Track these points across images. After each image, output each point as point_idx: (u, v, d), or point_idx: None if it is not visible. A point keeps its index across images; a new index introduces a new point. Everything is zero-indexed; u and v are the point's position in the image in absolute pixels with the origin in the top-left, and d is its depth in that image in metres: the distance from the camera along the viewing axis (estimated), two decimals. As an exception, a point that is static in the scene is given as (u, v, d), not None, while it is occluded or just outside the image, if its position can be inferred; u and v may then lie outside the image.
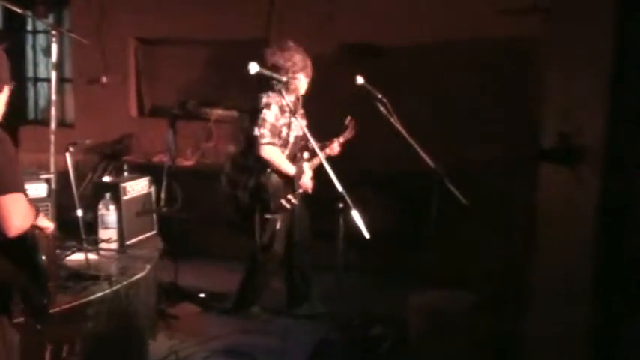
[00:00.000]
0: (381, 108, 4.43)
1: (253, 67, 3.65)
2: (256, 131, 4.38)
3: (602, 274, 3.22)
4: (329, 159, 4.54)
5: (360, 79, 4.47)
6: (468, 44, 5.71)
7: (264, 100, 4.44)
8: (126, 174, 4.93)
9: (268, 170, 4.42)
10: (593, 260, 3.28)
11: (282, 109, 4.43)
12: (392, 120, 4.42)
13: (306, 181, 4.59)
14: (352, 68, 4.62)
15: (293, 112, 4.29)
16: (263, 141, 4.36)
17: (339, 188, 3.47)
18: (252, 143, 4.43)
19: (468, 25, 5.69)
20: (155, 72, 7.14)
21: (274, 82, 3.80)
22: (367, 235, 3.35)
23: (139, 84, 7.17)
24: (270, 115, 4.37)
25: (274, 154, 4.39)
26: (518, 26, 5.36)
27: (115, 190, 4.47)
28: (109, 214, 4.37)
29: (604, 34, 3.17)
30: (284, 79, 3.86)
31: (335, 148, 4.80)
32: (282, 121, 4.44)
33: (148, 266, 4.13)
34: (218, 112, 6.63)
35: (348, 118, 4.83)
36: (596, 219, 3.24)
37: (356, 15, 6.04)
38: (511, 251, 4.83)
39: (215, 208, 6.04)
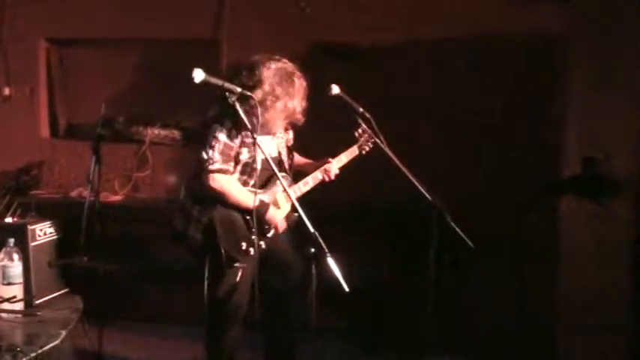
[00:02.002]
0: (363, 125, 4.48)
1: (198, 75, 3.68)
2: (203, 153, 4.33)
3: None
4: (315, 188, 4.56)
5: (335, 89, 4.51)
6: (473, 43, 5.82)
7: (214, 112, 4.39)
8: (35, 213, 4.92)
9: (219, 205, 4.38)
10: (630, 316, 3.34)
11: (238, 125, 4.35)
12: (377, 141, 4.47)
13: (278, 218, 4.46)
14: (326, 74, 4.69)
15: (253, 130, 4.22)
16: (211, 167, 4.26)
17: (310, 228, 3.50)
18: (200, 168, 4.37)
19: (473, 19, 5.81)
20: (73, 81, 7.15)
21: (226, 94, 3.83)
22: (346, 289, 3.37)
23: (52, 97, 7.17)
24: (222, 132, 4.28)
25: (226, 184, 4.28)
26: (535, 20, 5.51)
27: (21, 234, 4.45)
28: (12, 265, 4.35)
29: (637, 43, 3.28)
30: (238, 89, 3.88)
31: (332, 170, 4.65)
32: (239, 139, 4.32)
33: (64, 333, 4.11)
34: (154, 132, 6.65)
35: (361, 129, 4.71)
36: (631, 263, 3.31)
37: (330, 8, 6.13)
38: (529, 307, 4.89)
39: (152, 255, 6.06)
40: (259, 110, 4.08)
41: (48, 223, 4.77)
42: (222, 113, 4.25)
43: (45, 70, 7.10)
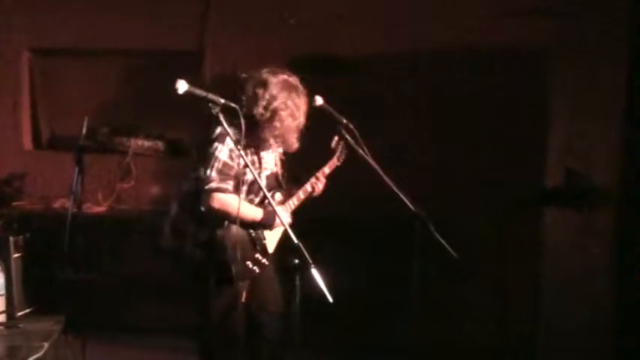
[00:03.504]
0: (347, 136, 4.49)
1: (182, 86, 3.68)
2: (202, 172, 4.20)
3: (624, 343, 3.30)
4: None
5: (319, 100, 4.52)
6: (456, 54, 5.86)
7: (219, 130, 4.32)
8: (17, 225, 4.90)
9: (226, 222, 4.23)
10: (613, 325, 3.35)
11: (240, 143, 4.29)
12: (360, 151, 4.47)
13: (286, 221, 4.33)
14: (309, 87, 4.70)
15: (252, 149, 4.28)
16: (207, 186, 4.18)
17: (294, 239, 3.50)
18: (200, 187, 4.30)
19: (457, 31, 5.84)
20: (56, 92, 7.13)
21: (209, 105, 3.82)
22: (330, 299, 3.37)
23: (35, 107, 7.15)
24: (223, 150, 4.21)
25: (224, 202, 4.19)
26: (519, 32, 5.56)
27: (3, 246, 4.43)
28: (-6, 277, 4.34)
29: (618, 55, 3.31)
30: (221, 100, 3.87)
31: (321, 184, 4.64)
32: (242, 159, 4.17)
33: (46, 345, 4.10)
34: (138, 143, 6.64)
35: (336, 138, 4.72)
36: (613, 273, 3.33)
37: (314, 21, 6.15)
38: (513, 318, 4.92)
39: (136, 266, 6.04)
40: (273, 124, 4.21)
41: (30, 234, 4.74)
42: (225, 132, 4.13)
43: (28, 81, 7.08)
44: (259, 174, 4.33)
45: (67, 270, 5.00)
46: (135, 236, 5.79)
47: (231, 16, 6.36)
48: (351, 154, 4.57)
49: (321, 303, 3.36)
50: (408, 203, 4.30)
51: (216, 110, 3.83)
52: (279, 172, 4.55)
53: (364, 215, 5.68)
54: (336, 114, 4.49)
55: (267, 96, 4.26)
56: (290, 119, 4.30)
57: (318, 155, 4.68)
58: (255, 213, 4.30)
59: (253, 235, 4.32)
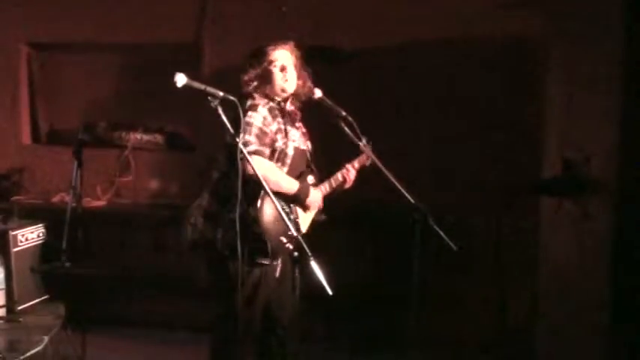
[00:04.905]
0: (346, 129, 4.48)
1: (180, 79, 3.68)
2: (239, 139, 3.99)
3: (619, 331, 3.31)
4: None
5: (317, 92, 4.53)
6: (454, 45, 5.86)
7: (249, 102, 4.40)
8: (16, 219, 4.90)
9: (262, 192, 4.16)
10: (608, 316, 3.36)
11: (272, 112, 4.35)
12: (360, 144, 4.47)
13: (318, 200, 4.47)
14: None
15: (283, 115, 4.34)
16: (248, 149, 4.14)
17: (294, 232, 3.50)
18: (235, 159, 4.23)
19: (454, 22, 5.85)
20: (54, 86, 7.13)
21: (209, 98, 3.82)
22: (330, 292, 3.37)
23: (34, 102, 7.15)
24: (256, 117, 4.27)
25: (265, 167, 4.17)
26: (515, 23, 5.56)
27: (3, 240, 4.43)
28: (-6, 271, 4.34)
29: (614, 46, 3.31)
30: (220, 93, 3.88)
31: (352, 175, 4.64)
32: (275, 126, 4.34)
33: (46, 339, 4.10)
34: (137, 137, 6.64)
35: (363, 142, 4.72)
36: (608, 263, 3.34)
37: (311, 12, 6.15)
38: (510, 310, 4.93)
39: (135, 260, 6.05)
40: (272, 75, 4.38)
41: (30, 229, 4.75)
42: (258, 102, 4.33)
43: (26, 75, 7.07)
44: (286, 143, 4.35)
45: (67, 264, 5.01)
46: (134, 230, 5.80)
47: (228, 9, 6.36)
48: (350, 148, 4.58)
49: (321, 296, 3.37)
50: (408, 196, 4.29)
51: (215, 103, 3.83)
52: (308, 152, 4.54)
53: (365, 207, 5.68)
54: (334, 106, 4.49)
55: (255, 63, 4.41)
56: (274, 66, 4.42)
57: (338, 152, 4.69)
58: (290, 185, 4.33)
59: (287, 210, 4.31)
